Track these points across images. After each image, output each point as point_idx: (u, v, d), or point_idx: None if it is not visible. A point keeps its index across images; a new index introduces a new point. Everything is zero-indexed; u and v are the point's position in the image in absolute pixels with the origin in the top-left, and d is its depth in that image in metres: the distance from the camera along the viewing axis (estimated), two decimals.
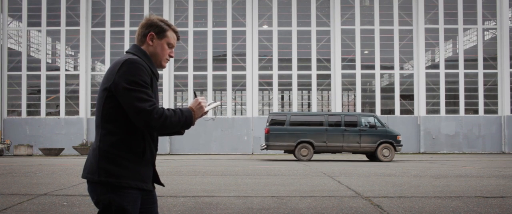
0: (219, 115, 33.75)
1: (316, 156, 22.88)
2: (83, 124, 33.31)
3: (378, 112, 33.10)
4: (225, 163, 17.23)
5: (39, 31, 34.76)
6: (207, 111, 2.29)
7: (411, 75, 33.97)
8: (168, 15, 33.66)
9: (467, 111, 33.46)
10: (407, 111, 33.67)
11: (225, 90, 34.32)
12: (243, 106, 34.68)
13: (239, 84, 34.21)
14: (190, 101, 29.74)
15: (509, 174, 10.92)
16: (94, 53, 34.51)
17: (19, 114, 34.08)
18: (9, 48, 34.67)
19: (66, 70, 34.71)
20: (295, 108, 34.08)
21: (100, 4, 34.42)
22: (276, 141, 19.13)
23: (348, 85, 34.02)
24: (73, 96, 34.15)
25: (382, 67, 34.15)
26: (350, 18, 34.12)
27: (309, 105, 34.83)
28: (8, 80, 34.14)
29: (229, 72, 34.09)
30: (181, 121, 2.17)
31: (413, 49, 33.85)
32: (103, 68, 34.88)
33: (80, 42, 33.93)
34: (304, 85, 34.59)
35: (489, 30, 34.45)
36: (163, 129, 2.13)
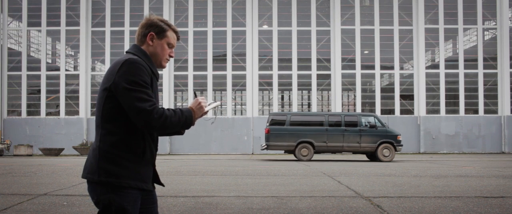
0: (219, 115, 33.74)
1: (316, 156, 22.87)
2: (83, 124, 33.31)
3: (378, 112, 33.09)
4: (225, 163, 17.23)
5: (39, 31, 34.75)
6: (207, 111, 2.29)
7: (411, 75, 33.96)
8: (168, 15, 33.65)
9: (467, 111, 33.45)
10: (407, 111, 33.66)
11: (225, 90, 34.31)
12: (243, 106, 34.67)
13: (239, 84, 34.20)
14: (190, 101, 29.73)
15: (509, 174, 10.91)
16: (94, 53, 34.50)
17: (19, 114, 34.07)
18: (9, 48, 34.66)
19: (66, 70, 34.70)
20: (295, 108, 34.06)
21: (100, 4, 34.42)
22: (276, 141, 19.13)
23: (348, 85, 34.02)
24: (73, 96, 34.15)
25: (382, 67, 34.14)
26: (350, 18, 34.12)
27: (309, 105, 34.82)
28: (8, 80, 34.14)
29: (229, 72, 34.08)
30: (181, 121, 2.17)
31: (413, 49, 33.85)
32: (103, 68, 34.87)
33: (80, 42, 33.93)
34: (304, 85, 34.58)
35: (489, 30, 34.44)
36: (163, 129, 2.13)
